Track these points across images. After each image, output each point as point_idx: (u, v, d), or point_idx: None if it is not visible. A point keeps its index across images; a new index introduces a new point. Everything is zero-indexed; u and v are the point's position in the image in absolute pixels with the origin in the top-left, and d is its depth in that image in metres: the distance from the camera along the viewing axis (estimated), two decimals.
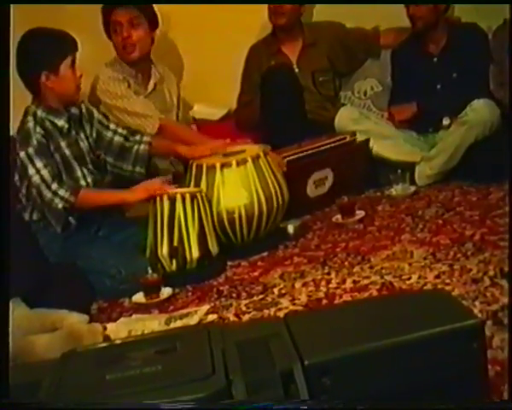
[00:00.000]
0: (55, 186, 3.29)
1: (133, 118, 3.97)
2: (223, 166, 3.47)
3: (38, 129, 3.34)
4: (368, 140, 4.18)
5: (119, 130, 3.68)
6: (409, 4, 4.22)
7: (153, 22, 4.17)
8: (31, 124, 3.34)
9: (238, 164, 3.48)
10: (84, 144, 3.54)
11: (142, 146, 3.68)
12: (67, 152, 3.44)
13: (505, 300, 2.49)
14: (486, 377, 1.80)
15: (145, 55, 4.18)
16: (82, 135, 3.55)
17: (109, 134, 3.64)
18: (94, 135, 3.61)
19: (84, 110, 3.57)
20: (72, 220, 3.38)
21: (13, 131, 3.76)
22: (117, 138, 3.65)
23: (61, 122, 3.43)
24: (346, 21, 4.66)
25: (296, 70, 4.53)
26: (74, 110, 3.51)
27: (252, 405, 1.54)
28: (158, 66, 4.29)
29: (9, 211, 1.88)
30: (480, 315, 2.32)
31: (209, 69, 4.75)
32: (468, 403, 1.63)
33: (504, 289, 2.59)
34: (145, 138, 3.71)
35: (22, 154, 3.32)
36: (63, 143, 3.43)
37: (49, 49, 3.37)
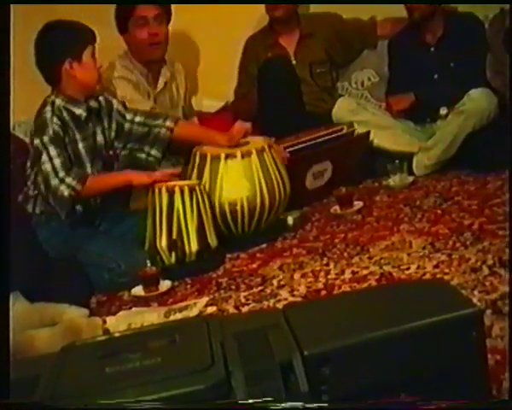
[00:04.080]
0: (62, 174, 3.28)
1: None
2: (227, 156, 3.47)
3: (55, 119, 3.34)
4: (368, 133, 4.17)
5: (137, 119, 3.65)
6: (406, 4, 4.23)
7: (169, 20, 4.15)
8: (48, 114, 3.35)
9: (243, 156, 3.47)
10: (99, 139, 3.54)
11: (163, 130, 3.66)
12: (81, 145, 3.43)
13: (504, 289, 2.49)
14: (486, 366, 1.80)
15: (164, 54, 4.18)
16: (99, 129, 3.54)
17: (127, 125, 3.63)
18: (113, 126, 3.60)
19: (103, 102, 3.57)
20: (78, 208, 3.39)
21: (12, 130, 3.79)
22: (135, 127, 3.64)
23: (79, 111, 3.42)
24: (342, 12, 4.66)
25: (293, 62, 4.53)
26: (93, 103, 3.51)
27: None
28: (169, 63, 4.27)
29: (10, 205, 1.87)
30: (479, 304, 2.33)
31: (206, 61, 4.76)
32: (467, 402, 1.63)
33: (503, 278, 2.59)
34: (168, 123, 3.68)
35: (37, 141, 3.33)
36: (78, 136, 3.43)
37: (71, 37, 3.40)
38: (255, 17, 4.76)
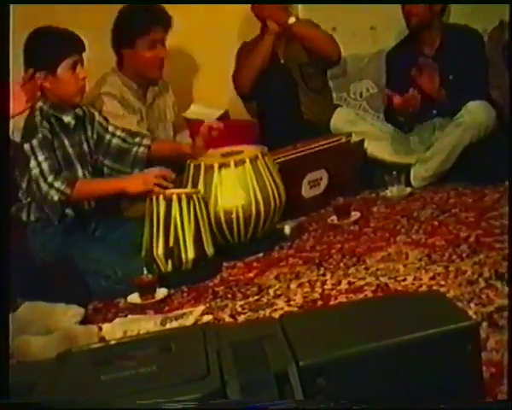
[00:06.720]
0: (51, 178, 3.29)
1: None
2: (221, 166, 3.47)
3: (45, 123, 3.34)
4: (362, 140, 4.17)
5: (118, 132, 3.66)
6: (404, 4, 4.22)
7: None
8: (38, 118, 3.35)
9: (236, 164, 3.48)
10: (85, 146, 3.55)
11: (141, 149, 3.67)
12: (70, 151, 3.45)
13: (500, 301, 2.49)
14: (481, 378, 1.80)
15: None
16: (83, 137, 3.55)
17: (108, 136, 3.63)
18: (94, 136, 3.60)
19: (86, 111, 3.57)
20: (69, 212, 3.39)
21: (12, 134, 3.77)
22: (115, 141, 3.64)
23: (67, 118, 3.43)
24: (339, 24, 4.64)
25: (282, 61, 4.50)
26: (78, 111, 3.50)
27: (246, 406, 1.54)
28: None
29: (9, 212, 1.87)
30: (475, 317, 2.33)
31: (201, 70, 4.76)
32: (467, 404, 1.63)
33: (499, 290, 2.59)
34: (145, 141, 3.69)
35: (26, 146, 3.31)
36: (67, 142, 3.44)
37: (47, 49, 3.33)
38: (249, 25, 4.75)
